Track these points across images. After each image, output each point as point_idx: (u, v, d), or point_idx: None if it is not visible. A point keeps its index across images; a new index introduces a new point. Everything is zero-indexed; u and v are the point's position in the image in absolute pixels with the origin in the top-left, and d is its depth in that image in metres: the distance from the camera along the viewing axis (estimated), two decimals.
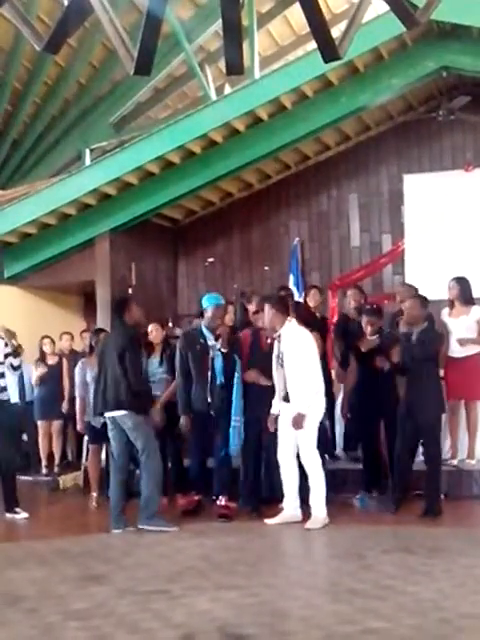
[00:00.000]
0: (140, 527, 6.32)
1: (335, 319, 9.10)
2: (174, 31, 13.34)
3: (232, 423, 6.76)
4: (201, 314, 7.18)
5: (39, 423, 9.48)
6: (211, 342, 6.89)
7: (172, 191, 9.77)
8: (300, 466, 6.51)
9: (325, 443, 7.12)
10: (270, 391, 6.61)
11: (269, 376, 6.67)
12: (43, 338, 9.47)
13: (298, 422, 6.32)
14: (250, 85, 9.44)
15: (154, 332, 7.69)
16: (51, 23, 9.00)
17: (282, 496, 6.57)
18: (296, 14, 13.44)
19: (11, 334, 7.47)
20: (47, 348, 9.46)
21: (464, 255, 9.57)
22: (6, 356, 7.41)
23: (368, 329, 7.21)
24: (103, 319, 9.52)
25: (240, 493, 7.01)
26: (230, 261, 11.04)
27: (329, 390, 7.38)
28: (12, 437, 7.75)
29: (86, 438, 8.11)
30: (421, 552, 5.40)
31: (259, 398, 6.72)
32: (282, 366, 6.47)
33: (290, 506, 6.52)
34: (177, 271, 11.30)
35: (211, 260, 10.98)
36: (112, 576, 5.02)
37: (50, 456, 9.52)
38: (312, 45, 9.08)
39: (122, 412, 6.39)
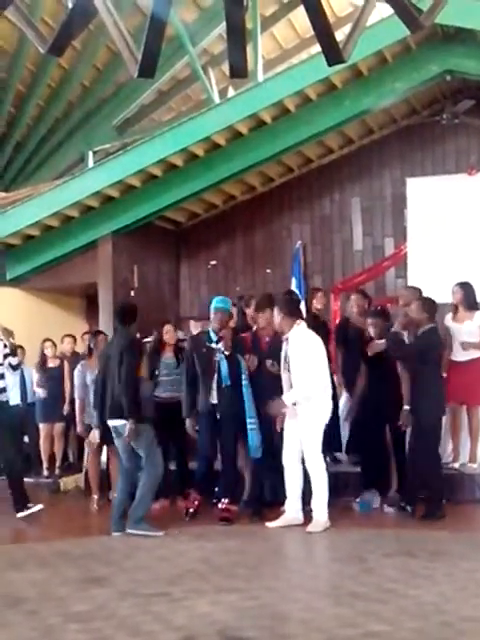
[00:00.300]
0: (128, 531, 6.27)
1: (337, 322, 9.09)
2: (178, 34, 13.39)
3: (248, 426, 6.73)
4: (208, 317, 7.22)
5: (41, 425, 9.46)
6: (215, 345, 6.91)
7: (175, 194, 9.77)
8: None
9: (331, 444, 7.11)
10: (278, 392, 6.57)
11: (269, 376, 6.67)
12: (44, 341, 9.45)
13: (276, 409, 6.39)
14: (254, 88, 9.45)
15: (169, 333, 7.71)
16: (55, 26, 9.00)
17: (284, 499, 6.56)
18: (300, 17, 13.48)
19: (8, 333, 7.45)
20: (48, 351, 9.43)
21: (467, 259, 9.55)
22: (5, 356, 7.40)
23: (371, 331, 7.18)
24: (105, 321, 9.51)
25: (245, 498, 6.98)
26: (233, 264, 11.04)
27: (333, 393, 7.36)
28: (13, 438, 7.72)
29: (86, 440, 8.08)
30: (422, 555, 5.40)
31: (269, 399, 6.67)
32: (288, 370, 6.47)
33: (292, 509, 6.52)
34: (179, 274, 11.29)
35: (214, 263, 10.98)
36: (113, 578, 5.02)
37: (51, 458, 9.50)
38: (316, 48, 9.09)
39: (122, 421, 6.35)
